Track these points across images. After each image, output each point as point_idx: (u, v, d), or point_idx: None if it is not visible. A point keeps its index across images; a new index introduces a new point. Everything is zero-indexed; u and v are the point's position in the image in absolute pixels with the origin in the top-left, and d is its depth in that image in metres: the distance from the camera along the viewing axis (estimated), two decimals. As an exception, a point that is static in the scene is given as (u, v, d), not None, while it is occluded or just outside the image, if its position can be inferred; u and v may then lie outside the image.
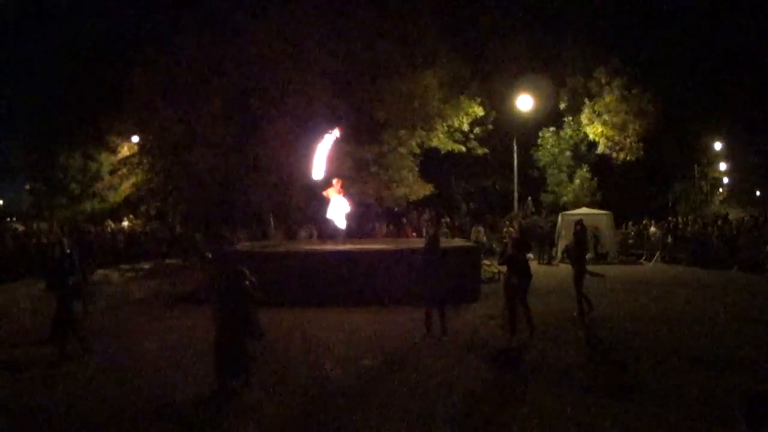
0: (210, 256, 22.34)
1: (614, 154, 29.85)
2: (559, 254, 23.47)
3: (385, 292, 13.18)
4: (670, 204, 39.15)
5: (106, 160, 33.43)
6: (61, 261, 9.40)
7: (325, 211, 15.82)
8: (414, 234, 24.81)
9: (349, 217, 16.05)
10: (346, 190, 16.42)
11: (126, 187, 27.31)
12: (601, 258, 22.64)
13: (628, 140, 29.31)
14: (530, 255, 18.84)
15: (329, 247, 15.45)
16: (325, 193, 15.55)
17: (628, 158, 29.71)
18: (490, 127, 30.29)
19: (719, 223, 23.91)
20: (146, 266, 24.03)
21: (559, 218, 24.76)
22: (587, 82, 30.02)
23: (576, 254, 12.01)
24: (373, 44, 23.86)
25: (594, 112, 29.63)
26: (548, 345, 9.62)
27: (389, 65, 24.08)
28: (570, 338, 10.24)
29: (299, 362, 8.75)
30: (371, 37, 23.90)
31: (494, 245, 24.85)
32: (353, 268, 13.70)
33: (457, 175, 33.48)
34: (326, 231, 16.68)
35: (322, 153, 15.49)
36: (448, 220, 27.88)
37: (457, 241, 18.53)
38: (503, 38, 30.72)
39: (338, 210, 15.49)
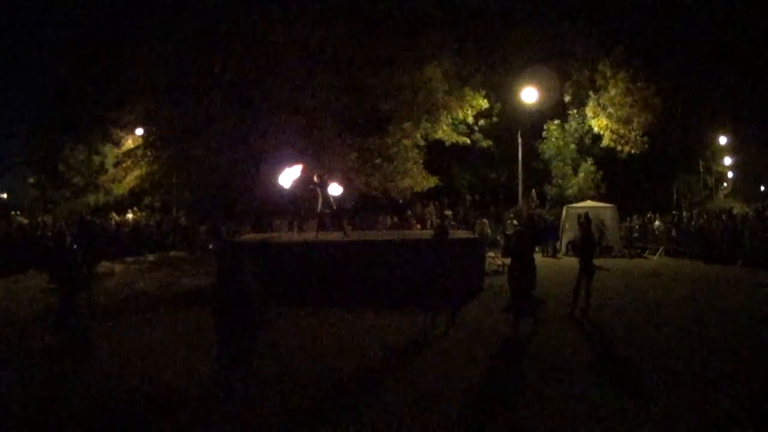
0: (212, 248, 22.49)
1: (619, 148, 29.76)
2: (563, 247, 23.47)
3: (391, 283, 13.15)
4: (674, 198, 39.06)
5: (110, 152, 33.45)
6: (64, 253, 9.41)
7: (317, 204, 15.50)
8: (418, 226, 24.80)
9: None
10: (348, 182, 16.20)
11: (130, 179, 27.26)
12: (605, 251, 22.59)
13: (633, 133, 29.22)
14: (535, 248, 18.88)
15: (333, 238, 15.39)
16: (316, 179, 15.13)
17: (632, 151, 29.63)
18: (495, 119, 30.28)
19: (724, 217, 23.82)
20: (150, 258, 24.10)
21: (564, 211, 24.73)
22: (592, 75, 29.94)
23: (582, 248, 11.85)
24: (378, 36, 23.77)
25: (599, 105, 29.57)
26: (552, 337, 9.61)
27: (394, 57, 23.99)
28: (574, 331, 10.23)
29: (303, 353, 8.75)
30: (376, 29, 23.81)
31: (499, 238, 24.84)
32: (358, 258, 13.69)
33: (462, 168, 33.45)
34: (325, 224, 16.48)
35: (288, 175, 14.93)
36: (450, 212, 27.85)
37: (462, 234, 18.50)
38: (508, 31, 30.61)
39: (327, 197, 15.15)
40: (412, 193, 27.01)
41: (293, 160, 15.09)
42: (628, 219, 27.48)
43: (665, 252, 23.35)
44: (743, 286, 15.48)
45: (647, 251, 24.00)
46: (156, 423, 6.30)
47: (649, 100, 28.79)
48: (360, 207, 26.68)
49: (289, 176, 14.60)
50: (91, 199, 34.19)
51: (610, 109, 29.21)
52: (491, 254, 18.67)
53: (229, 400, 6.63)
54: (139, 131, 28.72)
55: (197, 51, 23.70)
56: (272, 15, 23.20)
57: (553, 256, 23.17)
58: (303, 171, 14.72)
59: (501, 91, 30.25)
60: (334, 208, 15.29)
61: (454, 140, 27.86)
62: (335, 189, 15.19)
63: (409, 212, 27.17)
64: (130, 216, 33.34)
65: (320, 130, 23.38)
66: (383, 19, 24.03)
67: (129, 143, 31.09)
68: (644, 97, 28.74)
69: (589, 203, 24.96)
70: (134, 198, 33.21)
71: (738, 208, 32.37)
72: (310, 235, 16.42)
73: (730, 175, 48.83)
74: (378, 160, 25.64)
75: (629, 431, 5.94)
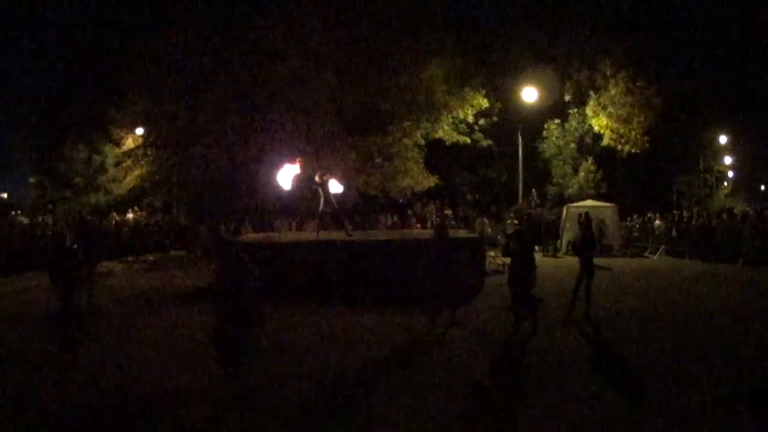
0: (212, 248, 22.46)
1: (619, 147, 29.76)
2: (564, 246, 23.47)
3: (391, 283, 13.13)
4: (674, 197, 39.03)
5: (111, 152, 33.40)
6: (64, 253, 9.39)
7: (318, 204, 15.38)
8: (419, 225, 24.80)
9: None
10: (348, 181, 16.11)
11: (131, 179, 27.25)
12: (605, 251, 22.59)
13: (633, 133, 29.21)
14: (535, 247, 18.85)
15: (333, 237, 15.36)
16: (317, 178, 15.02)
17: (633, 151, 29.63)
18: (495, 118, 30.26)
19: (724, 216, 23.80)
20: (151, 258, 24.11)
21: (564, 210, 24.73)
22: (592, 75, 29.92)
23: (582, 248, 11.77)
24: (378, 35, 23.75)
25: (599, 104, 29.55)
26: (553, 337, 9.61)
27: (394, 56, 23.98)
28: (574, 330, 10.22)
29: (303, 352, 8.75)
30: (376, 28, 23.79)
31: (499, 237, 24.83)
32: (358, 258, 13.66)
33: (462, 167, 33.44)
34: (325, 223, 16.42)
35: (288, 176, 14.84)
36: (450, 211, 27.85)
37: (462, 233, 18.50)
38: (508, 30, 30.63)
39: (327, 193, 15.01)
40: (412, 192, 27.01)
41: (292, 160, 15.06)
42: (628, 218, 27.46)
43: (666, 251, 23.35)
44: (744, 285, 15.48)
45: (648, 250, 24.01)
46: (156, 423, 6.29)
47: (650, 100, 28.77)
48: (360, 206, 26.66)
49: (287, 174, 14.57)
50: (92, 198, 34.16)
51: (611, 109, 29.19)
52: (491, 254, 18.66)
53: (230, 399, 6.64)
54: (139, 131, 28.71)
55: (197, 51, 23.70)
56: (272, 15, 23.19)
57: (554, 255, 23.17)
58: (301, 166, 14.69)
59: (501, 91, 30.25)
60: (336, 207, 15.27)
61: (454, 140, 27.86)
62: (336, 187, 15.15)
63: (410, 212, 27.17)
64: (130, 216, 33.30)
65: (320, 129, 23.36)
66: (383, 19, 23.99)
67: (129, 143, 31.07)
68: (644, 97, 28.72)
69: (589, 202, 24.97)
70: (134, 198, 33.17)
71: (738, 208, 32.35)
72: (310, 235, 16.41)
73: (730, 174, 48.76)
74: (378, 160, 25.64)
75: (629, 431, 5.93)
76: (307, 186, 15.34)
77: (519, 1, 31.39)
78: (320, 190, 14.65)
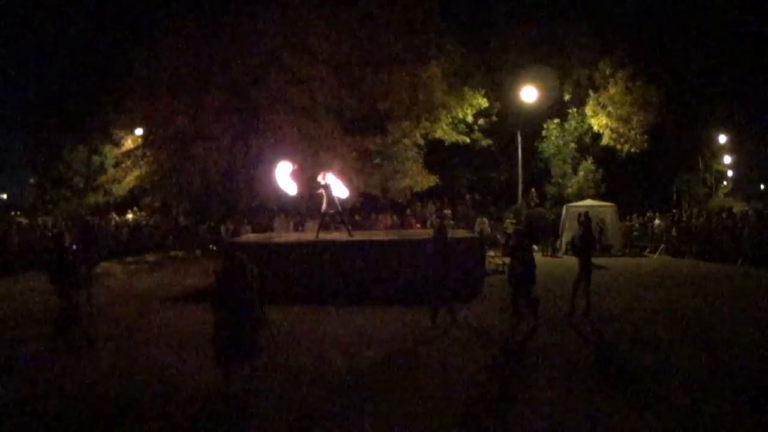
0: (213, 248, 22.49)
1: (619, 146, 29.74)
2: (563, 246, 23.46)
3: (390, 283, 13.12)
4: (674, 196, 38.99)
5: (110, 153, 33.45)
6: (63, 254, 9.38)
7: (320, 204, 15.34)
8: (418, 225, 24.78)
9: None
10: (348, 181, 16.11)
11: (130, 179, 27.28)
12: (605, 250, 22.59)
13: (633, 132, 29.20)
14: (534, 247, 18.84)
15: (333, 238, 15.35)
16: (320, 178, 14.97)
17: (632, 150, 29.60)
18: (495, 118, 30.25)
19: (724, 216, 23.78)
20: (150, 259, 24.09)
21: (564, 210, 24.72)
22: (592, 74, 29.92)
23: (581, 247, 11.74)
24: (377, 35, 23.77)
25: (598, 103, 29.55)
26: (552, 336, 9.60)
27: (393, 56, 23.99)
28: (574, 330, 10.21)
29: (304, 353, 8.75)
30: (375, 28, 23.81)
31: (499, 237, 24.82)
32: (357, 258, 13.66)
33: (462, 167, 33.42)
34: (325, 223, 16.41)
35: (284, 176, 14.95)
36: (449, 211, 27.83)
37: (462, 233, 18.48)
38: (508, 29, 30.62)
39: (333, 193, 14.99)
40: (412, 192, 27.00)
41: (291, 160, 15.07)
42: (628, 218, 27.45)
43: (665, 251, 23.34)
44: (743, 285, 15.47)
45: (647, 250, 23.99)
46: (156, 423, 6.29)
47: (649, 99, 28.77)
48: (359, 207, 26.67)
49: (285, 175, 14.59)
50: (91, 199, 34.20)
51: (610, 108, 29.19)
52: (491, 253, 18.66)
53: (229, 399, 6.63)
54: (139, 131, 28.72)
55: (197, 51, 23.70)
56: (272, 15, 23.20)
57: (553, 255, 23.16)
58: (299, 168, 14.69)
59: (500, 90, 30.24)
60: (339, 209, 15.26)
61: (453, 139, 27.86)
62: (341, 191, 15.11)
63: (409, 212, 27.15)
64: (129, 216, 33.33)
65: (320, 130, 23.37)
66: (383, 20, 24.01)
67: (129, 143, 31.09)
68: (644, 96, 28.71)
69: (588, 202, 24.95)
70: (134, 198, 33.20)
71: (738, 207, 32.30)
72: (310, 235, 16.40)
73: (729, 173, 48.73)
74: (377, 160, 25.66)
75: (629, 431, 5.93)
76: (313, 187, 15.34)
77: (519, 0, 31.36)
78: (323, 192, 14.64)
